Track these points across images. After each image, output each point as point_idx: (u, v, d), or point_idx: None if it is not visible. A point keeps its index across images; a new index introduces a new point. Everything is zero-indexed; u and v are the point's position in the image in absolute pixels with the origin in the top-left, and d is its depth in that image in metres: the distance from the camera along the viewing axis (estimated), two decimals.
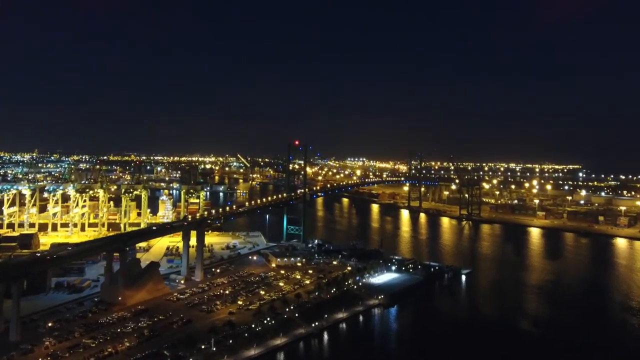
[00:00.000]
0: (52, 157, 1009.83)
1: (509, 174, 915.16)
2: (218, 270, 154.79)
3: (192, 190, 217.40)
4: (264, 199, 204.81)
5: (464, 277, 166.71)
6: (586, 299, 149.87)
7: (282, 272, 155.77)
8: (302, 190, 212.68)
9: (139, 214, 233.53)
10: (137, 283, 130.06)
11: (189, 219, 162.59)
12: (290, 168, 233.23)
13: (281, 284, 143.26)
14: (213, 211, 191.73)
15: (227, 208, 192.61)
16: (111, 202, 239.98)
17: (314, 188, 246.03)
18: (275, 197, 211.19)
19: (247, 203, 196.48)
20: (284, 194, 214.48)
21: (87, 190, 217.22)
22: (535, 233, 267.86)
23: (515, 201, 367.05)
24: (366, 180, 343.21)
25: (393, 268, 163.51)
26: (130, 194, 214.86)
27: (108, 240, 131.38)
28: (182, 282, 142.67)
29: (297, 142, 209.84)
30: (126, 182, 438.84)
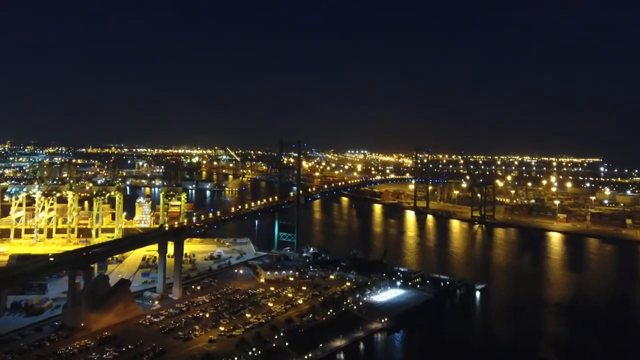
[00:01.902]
0: (26, 150, 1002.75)
1: (523, 168, 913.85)
2: (199, 288, 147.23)
3: (172, 192, 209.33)
4: (252, 204, 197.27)
5: (478, 294, 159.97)
6: (613, 319, 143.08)
7: (272, 288, 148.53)
8: (296, 193, 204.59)
9: (113, 218, 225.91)
10: (105, 304, 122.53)
11: (166, 228, 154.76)
12: (285, 162, 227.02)
13: (270, 304, 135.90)
14: (194, 218, 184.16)
15: (210, 214, 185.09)
16: (86, 202, 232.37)
17: (310, 190, 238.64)
18: (265, 201, 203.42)
19: (232, 208, 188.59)
20: (276, 197, 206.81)
21: (54, 192, 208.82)
22: (555, 239, 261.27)
23: (532, 201, 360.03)
24: (368, 179, 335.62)
25: (398, 283, 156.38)
26: (103, 197, 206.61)
27: (70, 256, 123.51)
28: (157, 302, 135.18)
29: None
30: (103, 179, 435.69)
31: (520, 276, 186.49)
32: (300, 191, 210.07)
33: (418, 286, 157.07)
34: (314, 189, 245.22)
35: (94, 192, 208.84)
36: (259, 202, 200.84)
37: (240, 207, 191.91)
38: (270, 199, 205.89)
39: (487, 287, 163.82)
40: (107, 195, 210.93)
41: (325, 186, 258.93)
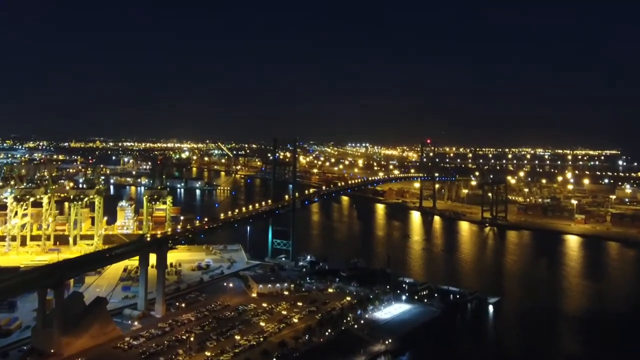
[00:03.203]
0: (5, 144, 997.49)
1: (536, 162, 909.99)
2: (183, 305, 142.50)
3: (156, 196, 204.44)
4: (244, 209, 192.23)
5: (491, 308, 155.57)
6: (637, 335, 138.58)
7: (265, 304, 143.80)
8: (291, 196, 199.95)
9: (94, 222, 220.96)
10: (79, 326, 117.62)
11: (147, 238, 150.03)
12: (282, 156, 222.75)
13: (262, 323, 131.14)
14: (181, 223, 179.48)
15: (197, 222, 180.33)
16: (65, 203, 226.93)
17: (306, 192, 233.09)
18: (257, 205, 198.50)
19: (222, 214, 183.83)
20: (270, 201, 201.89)
21: (28, 197, 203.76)
22: (572, 243, 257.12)
23: (547, 200, 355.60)
24: (370, 179, 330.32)
25: (403, 298, 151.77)
26: (81, 202, 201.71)
27: (39, 273, 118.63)
28: (137, 323, 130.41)
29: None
30: (85, 178, 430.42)
31: (536, 287, 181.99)
32: (297, 194, 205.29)
33: (425, 300, 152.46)
34: (311, 191, 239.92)
35: (71, 197, 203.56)
36: (250, 206, 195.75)
37: (230, 212, 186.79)
38: (264, 202, 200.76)
39: (500, 300, 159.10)
40: (86, 199, 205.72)
41: (324, 187, 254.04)
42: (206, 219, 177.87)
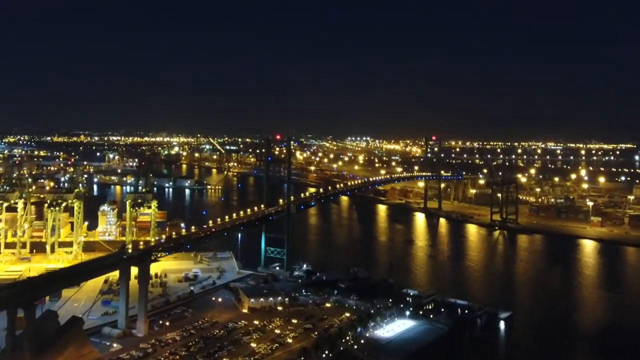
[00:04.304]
0: None
1: (547, 157, 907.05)
2: (167, 323, 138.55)
3: (140, 200, 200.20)
4: (234, 215, 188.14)
5: (502, 324, 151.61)
6: None
7: (256, 322, 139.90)
8: (286, 200, 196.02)
9: (73, 228, 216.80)
10: (52, 348, 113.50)
11: (129, 250, 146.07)
12: (277, 152, 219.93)
13: (253, 344, 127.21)
14: (164, 235, 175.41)
15: (183, 230, 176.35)
16: (45, 204, 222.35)
17: (302, 196, 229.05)
18: (249, 211, 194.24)
19: (210, 222, 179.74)
20: (262, 206, 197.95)
21: (0, 202, 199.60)
22: (588, 248, 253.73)
23: (561, 200, 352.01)
24: (371, 180, 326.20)
25: (407, 313, 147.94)
26: (59, 208, 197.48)
27: (8, 292, 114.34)
28: (117, 343, 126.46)
29: (278, 137, 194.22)
30: (68, 176, 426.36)
31: (551, 299, 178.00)
32: (292, 197, 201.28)
33: (431, 316, 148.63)
34: (309, 191, 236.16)
35: (48, 201, 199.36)
36: (242, 212, 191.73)
37: (219, 220, 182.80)
38: (256, 208, 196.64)
39: (512, 315, 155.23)
40: (64, 204, 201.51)
41: (321, 190, 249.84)
42: (193, 228, 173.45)
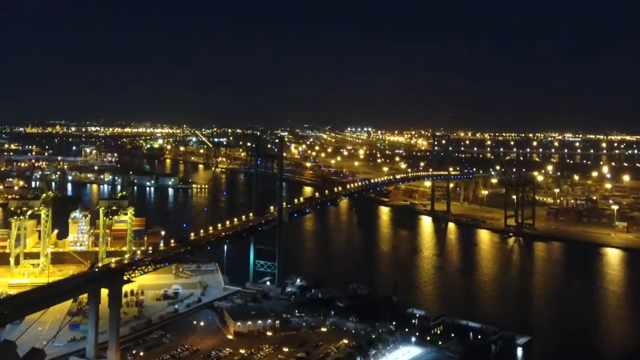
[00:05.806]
0: None
1: (565, 151, 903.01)
2: (142, 353, 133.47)
3: (114, 207, 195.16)
4: (219, 225, 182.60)
5: (519, 351, 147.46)
6: None
7: (243, 350, 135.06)
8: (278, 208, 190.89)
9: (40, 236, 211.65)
10: None
11: (98, 269, 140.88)
12: (269, 145, 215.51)
13: None
14: (139, 251, 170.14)
15: (162, 245, 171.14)
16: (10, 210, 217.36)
17: (295, 201, 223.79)
18: (236, 220, 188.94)
19: (192, 234, 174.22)
20: (251, 214, 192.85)
21: None
22: (613, 258, 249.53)
23: (582, 202, 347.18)
24: (374, 181, 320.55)
25: (413, 339, 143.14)
26: (24, 216, 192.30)
27: None
28: None
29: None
30: (40, 174, 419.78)
31: (573, 320, 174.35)
32: (284, 204, 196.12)
33: (440, 342, 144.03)
34: (300, 200, 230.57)
35: (12, 209, 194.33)
36: (228, 222, 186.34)
37: (202, 231, 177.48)
38: (244, 217, 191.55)
39: (531, 340, 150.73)
40: (29, 212, 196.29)
41: (317, 194, 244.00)
42: (172, 242, 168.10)
